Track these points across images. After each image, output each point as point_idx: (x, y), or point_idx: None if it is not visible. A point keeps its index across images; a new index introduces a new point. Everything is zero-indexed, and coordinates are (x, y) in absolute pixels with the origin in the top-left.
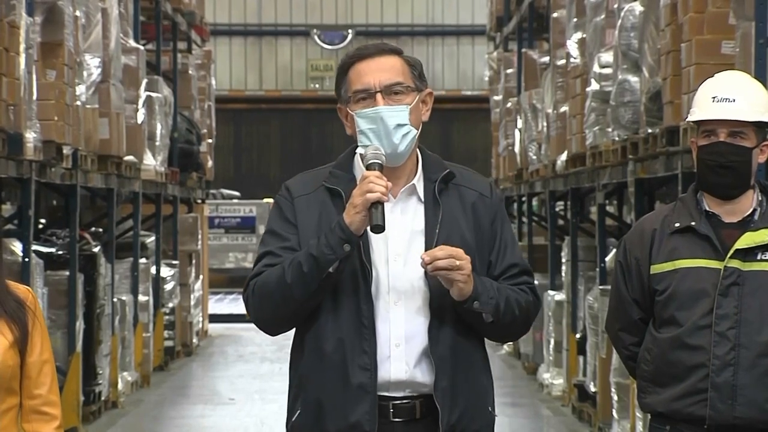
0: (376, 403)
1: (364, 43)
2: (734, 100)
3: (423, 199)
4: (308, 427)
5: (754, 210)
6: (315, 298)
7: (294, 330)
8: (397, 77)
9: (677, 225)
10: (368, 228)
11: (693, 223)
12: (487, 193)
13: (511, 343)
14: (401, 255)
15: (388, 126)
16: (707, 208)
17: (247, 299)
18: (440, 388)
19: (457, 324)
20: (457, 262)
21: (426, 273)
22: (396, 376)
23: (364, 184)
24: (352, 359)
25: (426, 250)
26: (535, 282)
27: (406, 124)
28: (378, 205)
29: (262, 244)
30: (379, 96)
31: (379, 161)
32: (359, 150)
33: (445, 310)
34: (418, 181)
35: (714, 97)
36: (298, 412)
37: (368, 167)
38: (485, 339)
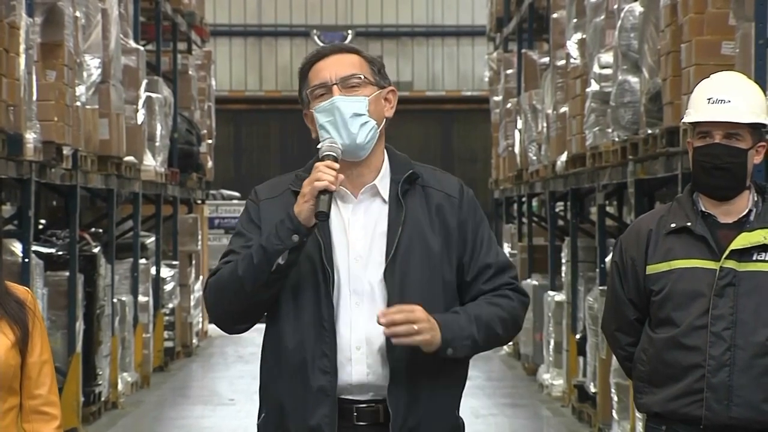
0: (336, 407)
1: (364, 44)
2: (729, 102)
3: (387, 200)
4: (271, 428)
5: (750, 211)
6: (266, 292)
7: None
8: (354, 70)
9: (673, 225)
10: (334, 224)
11: (689, 224)
12: (454, 194)
13: (510, 343)
14: (362, 257)
15: (345, 115)
16: (703, 209)
17: (205, 297)
18: (394, 392)
19: None
20: (416, 327)
21: (385, 277)
22: (357, 379)
23: (313, 173)
24: (312, 362)
25: (387, 252)
26: (517, 278)
27: (363, 114)
28: (325, 192)
29: (228, 245)
30: (335, 88)
31: (334, 153)
32: (319, 146)
33: None
34: (381, 181)
35: (709, 99)
36: (264, 413)
37: (322, 159)
38: None
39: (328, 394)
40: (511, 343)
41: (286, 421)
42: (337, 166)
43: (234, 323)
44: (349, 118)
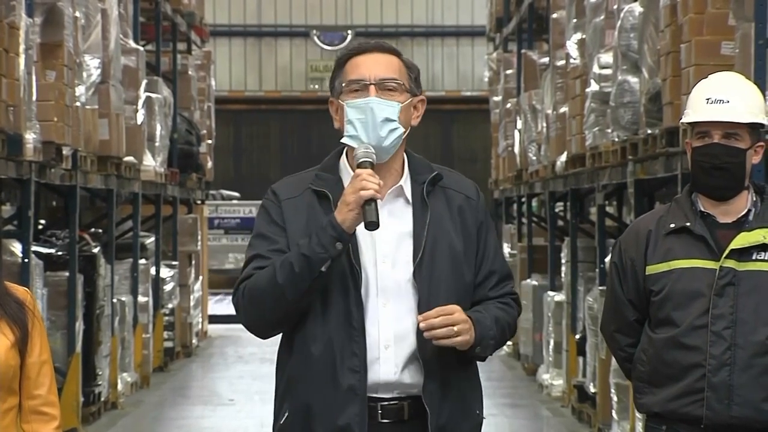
0: (365, 405)
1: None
2: (728, 102)
3: (410, 201)
4: (296, 429)
5: (749, 210)
6: (306, 299)
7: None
8: (393, 73)
9: (672, 226)
10: (361, 226)
11: (688, 224)
12: (473, 197)
13: (510, 343)
14: (389, 257)
15: (377, 118)
16: (702, 209)
17: (237, 303)
18: (429, 389)
19: None
20: (455, 328)
21: (414, 276)
22: (385, 378)
23: (356, 181)
24: (342, 361)
25: (415, 252)
26: (516, 288)
27: (394, 120)
28: (371, 202)
29: (250, 247)
30: (372, 88)
31: (370, 160)
32: (343, 140)
33: None
34: (405, 183)
35: (708, 99)
36: (286, 414)
37: (359, 165)
38: None
39: (357, 393)
40: (510, 344)
41: (312, 421)
42: (378, 178)
43: (272, 329)
44: (380, 122)
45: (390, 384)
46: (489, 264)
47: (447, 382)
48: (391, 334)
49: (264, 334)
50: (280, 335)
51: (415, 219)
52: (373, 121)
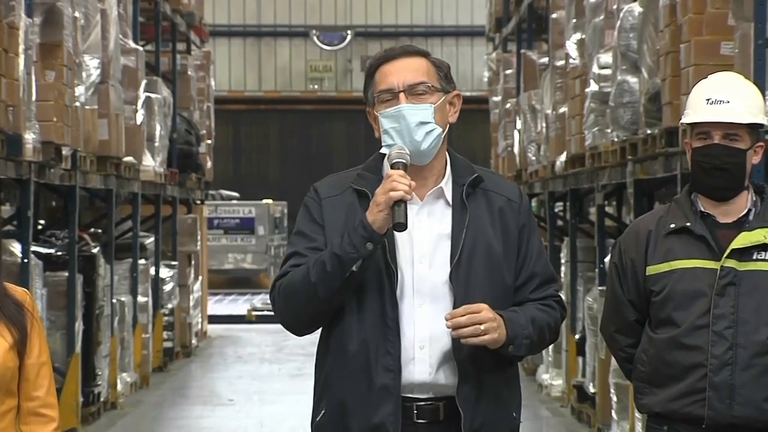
0: (399, 405)
1: (363, 45)
2: (728, 102)
3: (450, 203)
4: (332, 426)
5: (749, 210)
6: (339, 297)
7: (320, 330)
8: (421, 77)
9: (672, 226)
10: (391, 227)
11: (688, 224)
12: (515, 199)
13: None
14: (426, 257)
15: (410, 124)
16: (702, 209)
17: (273, 300)
18: (463, 392)
19: None
20: (482, 327)
21: (451, 277)
22: (420, 378)
23: (387, 182)
24: (376, 360)
25: (452, 253)
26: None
27: (429, 122)
28: (401, 203)
29: (290, 245)
30: (402, 95)
31: (404, 160)
32: (383, 150)
33: None
34: (446, 184)
35: (708, 99)
36: (323, 411)
37: (392, 166)
38: None
39: (391, 392)
40: None
41: (348, 419)
42: (409, 179)
43: (306, 327)
44: (414, 127)
45: (424, 384)
46: (530, 266)
47: (482, 384)
48: (426, 334)
49: (299, 331)
50: (318, 334)
51: (454, 221)
52: (407, 127)
